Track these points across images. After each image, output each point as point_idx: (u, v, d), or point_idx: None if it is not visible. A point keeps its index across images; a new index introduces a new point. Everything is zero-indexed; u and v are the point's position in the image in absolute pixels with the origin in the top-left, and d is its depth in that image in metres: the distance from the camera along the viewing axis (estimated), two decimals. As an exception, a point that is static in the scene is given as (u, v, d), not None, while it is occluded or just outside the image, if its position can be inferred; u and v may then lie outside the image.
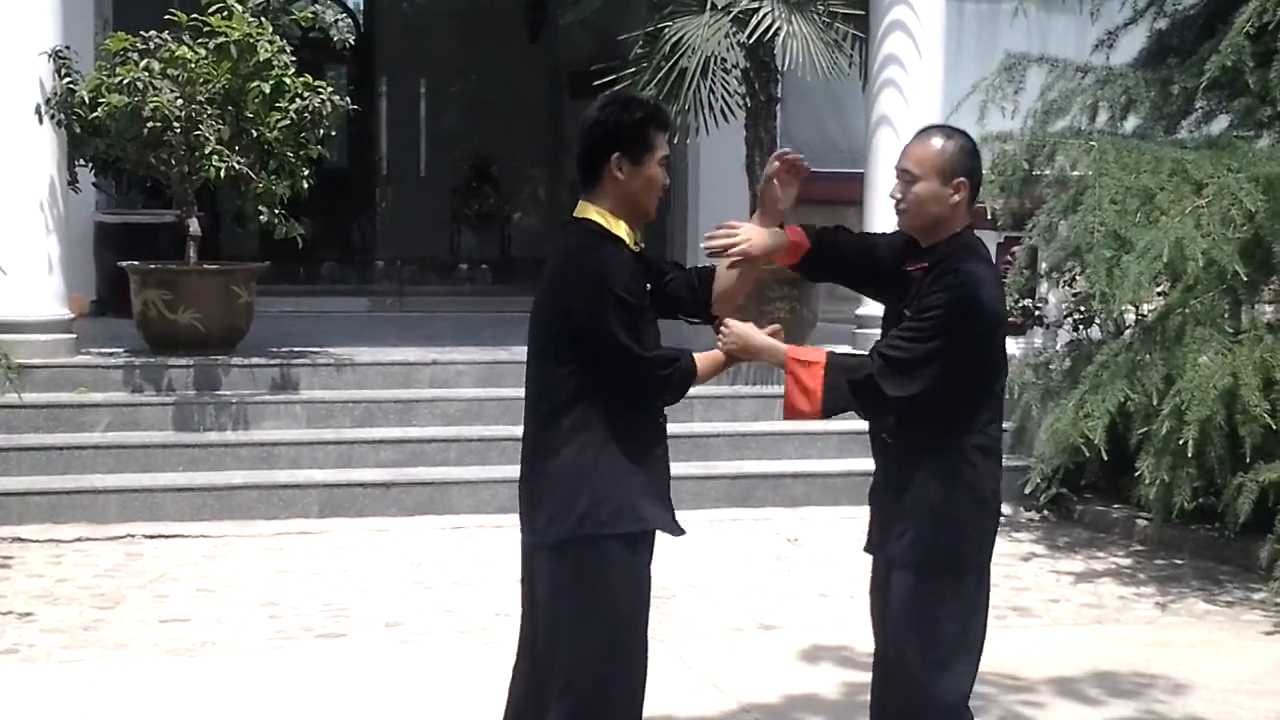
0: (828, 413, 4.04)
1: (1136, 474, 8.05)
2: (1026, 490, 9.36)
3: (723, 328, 4.18)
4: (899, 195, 4.18)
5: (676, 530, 4.14)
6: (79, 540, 8.42)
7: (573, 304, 3.95)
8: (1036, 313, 10.73)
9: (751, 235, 4.17)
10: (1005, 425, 9.76)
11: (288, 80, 10.02)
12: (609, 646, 4.02)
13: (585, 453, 3.98)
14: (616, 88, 10.58)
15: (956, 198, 4.14)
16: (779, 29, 10.60)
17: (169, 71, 9.87)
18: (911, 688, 4.16)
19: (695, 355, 4.12)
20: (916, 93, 10.92)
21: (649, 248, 4.28)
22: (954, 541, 4.10)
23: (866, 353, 4.10)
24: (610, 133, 4.04)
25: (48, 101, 9.82)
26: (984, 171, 9.19)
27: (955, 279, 4.04)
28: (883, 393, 3.99)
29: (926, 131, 4.27)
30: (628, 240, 4.07)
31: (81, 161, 10.38)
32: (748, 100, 11.33)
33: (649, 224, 4.23)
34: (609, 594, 4.00)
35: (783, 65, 10.92)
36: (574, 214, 4.13)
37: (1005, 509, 9.57)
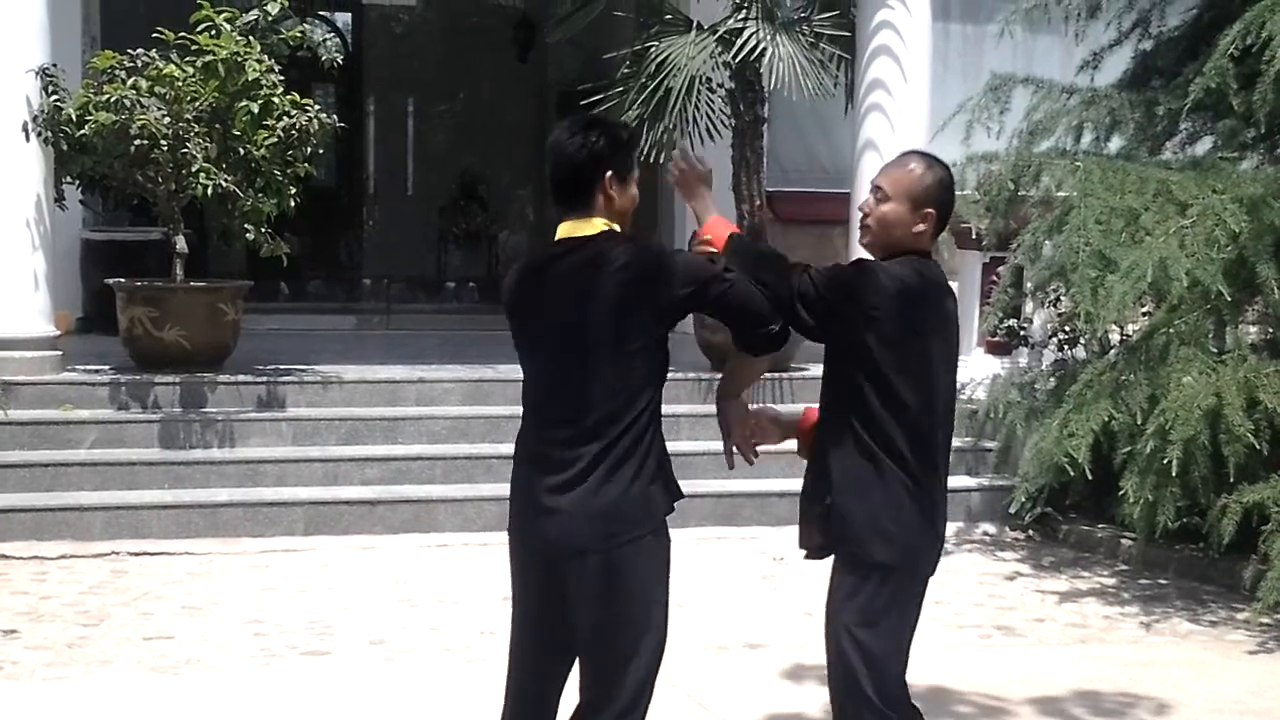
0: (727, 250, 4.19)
1: (1121, 493, 8.07)
2: (1011, 510, 9.38)
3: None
4: (866, 210, 4.21)
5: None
6: (64, 557, 8.41)
7: (687, 288, 4.02)
8: (1021, 332, 10.76)
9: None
10: (990, 444, 9.89)
11: (275, 99, 10.04)
12: (664, 636, 4.12)
13: (649, 448, 4.02)
14: (603, 107, 10.61)
15: (921, 227, 4.16)
16: (765, 49, 10.62)
17: (156, 89, 9.89)
18: (850, 682, 4.12)
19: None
20: (902, 118, 10.92)
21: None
22: (866, 537, 4.09)
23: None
24: (603, 154, 4.06)
25: (35, 119, 9.83)
26: (970, 192, 9.32)
27: (878, 262, 4.14)
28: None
29: (909, 155, 4.30)
30: None
31: (68, 179, 10.37)
32: (733, 120, 11.36)
33: None
34: (664, 584, 4.09)
35: (769, 85, 10.94)
36: (570, 234, 4.08)
37: (990, 528, 9.68)
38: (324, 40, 14.78)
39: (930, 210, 4.15)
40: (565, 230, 4.10)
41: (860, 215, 4.24)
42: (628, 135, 4.20)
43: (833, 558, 4.22)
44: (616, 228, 4.09)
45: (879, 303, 4.04)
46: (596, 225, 4.07)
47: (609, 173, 4.05)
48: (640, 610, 4.03)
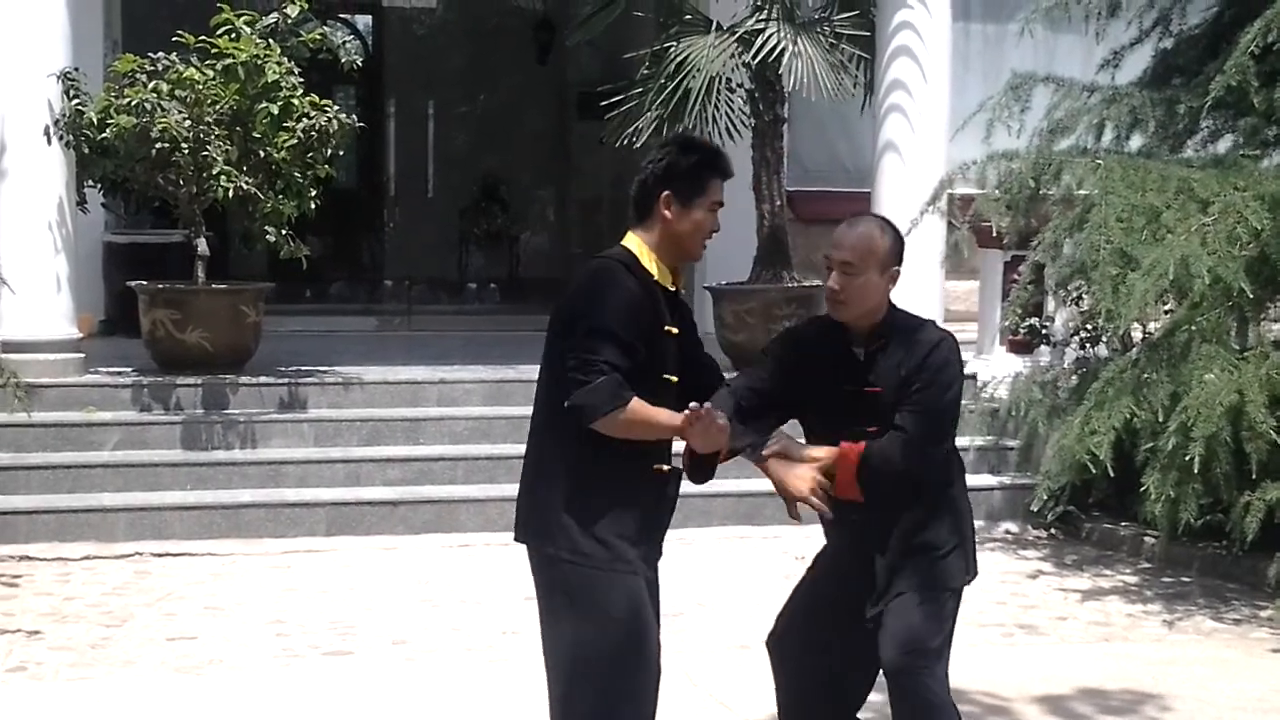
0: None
1: (1143, 491, 8.04)
2: (1033, 508, 9.34)
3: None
4: (838, 286, 4.35)
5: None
6: (87, 558, 8.44)
7: (566, 320, 4.07)
8: (1043, 331, 10.74)
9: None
10: (1011, 443, 9.94)
11: (295, 101, 10.06)
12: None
13: (567, 474, 4.08)
14: (622, 108, 10.63)
15: (891, 286, 4.40)
16: (784, 49, 10.60)
17: (177, 93, 9.92)
18: (925, 696, 4.39)
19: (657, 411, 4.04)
20: (922, 118, 10.87)
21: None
22: (953, 567, 4.47)
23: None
24: (663, 171, 4.14)
25: (56, 123, 9.87)
26: (991, 190, 9.35)
27: (938, 343, 4.35)
28: (925, 454, 4.35)
29: (860, 223, 4.44)
30: (656, 276, 4.15)
31: (90, 182, 10.40)
32: (753, 120, 11.34)
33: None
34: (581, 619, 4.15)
35: (788, 85, 10.92)
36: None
37: (1012, 527, 9.66)
38: (344, 42, 14.80)
39: (896, 269, 4.39)
40: None
41: (831, 292, 4.37)
42: (699, 157, 4.17)
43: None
44: (641, 245, 4.15)
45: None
46: (627, 238, 4.20)
47: (666, 192, 4.12)
48: (549, 623, 4.22)
